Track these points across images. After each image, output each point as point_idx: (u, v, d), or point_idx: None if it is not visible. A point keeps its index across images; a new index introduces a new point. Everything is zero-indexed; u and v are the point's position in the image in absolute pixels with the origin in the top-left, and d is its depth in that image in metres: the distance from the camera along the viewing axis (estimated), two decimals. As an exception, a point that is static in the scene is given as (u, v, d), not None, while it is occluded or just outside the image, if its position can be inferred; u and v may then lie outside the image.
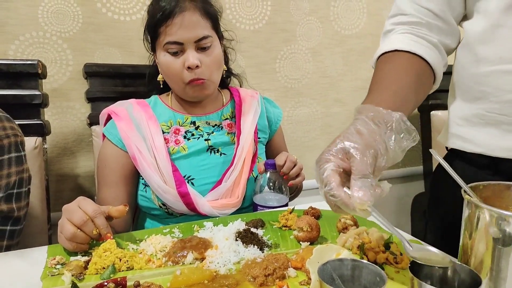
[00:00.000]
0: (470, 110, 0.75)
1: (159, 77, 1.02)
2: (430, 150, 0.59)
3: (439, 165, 0.89)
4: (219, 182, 0.96)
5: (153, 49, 1.00)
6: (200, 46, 0.93)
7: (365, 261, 0.48)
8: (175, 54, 0.93)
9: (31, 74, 1.08)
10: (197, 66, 0.92)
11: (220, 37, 1.02)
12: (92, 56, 1.28)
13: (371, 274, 0.47)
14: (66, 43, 1.25)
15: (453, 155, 0.81)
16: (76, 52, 1.26)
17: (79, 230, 0.68)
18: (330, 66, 1.62)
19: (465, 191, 0.55)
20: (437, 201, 0.88)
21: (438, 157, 0.57)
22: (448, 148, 0.83)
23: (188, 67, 0.92)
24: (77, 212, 0.69)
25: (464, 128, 0.76)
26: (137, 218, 1.07)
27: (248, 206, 1.01)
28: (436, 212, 0.88)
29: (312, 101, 1.63)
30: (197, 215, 0.93)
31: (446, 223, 0.84)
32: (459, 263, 0.47)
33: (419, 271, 0.48)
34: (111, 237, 0.69)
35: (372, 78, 0.72)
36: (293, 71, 1.57)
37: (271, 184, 0.95)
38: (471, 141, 0.75)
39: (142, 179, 0.96)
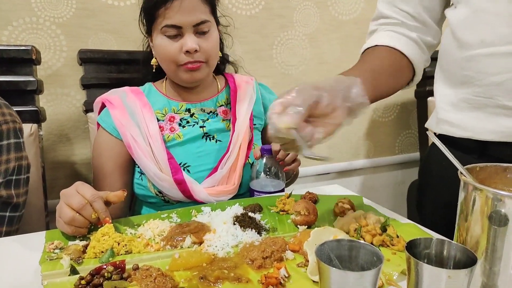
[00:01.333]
0: (457, 95, 0.77)
1: (153, 61, 1.01)
2: (427, 132, 0.59)
3: (430, 150, 0.91)
4: (215, 169, 0.96)
5: (149, 32, 0.99)
6: (199, 31, 0.92)
7: (362, 241, 0.49)
8: (172, 37, 0.92)
9: (25, 60, 1.06)
10: (195, 51, 0.91)
11: (217, 22, 1.01)
12: (86, 42, 1.26)
13: (368, 254, 0.47)
14: (59, 29, 1.23)
15: (440, 141, 0.83)
16: (70, 38, 1.24)
17: (77, 214, 0.68)
18: (328, 52, 1.61)
19: (461, 173, 0.55)
20: (427, 185, 0.89)
21: (435, 140, 0.57)
22: (436, 134, 0.84)
23: (187, 51, 0.91)
24: (75, 196, 0.69)
25: (451, 113, 0.78)
26: (133, 206, 1.08)
27: (244, 192, 1.01)
28: (427, 195, 0.90)
29: (309, 87, 1.62)
30: (193, 202, 0.93)
31: (437, 206, 0.85)
32: (455, 242, 0.48)
33: (416, 251, 0.48)
34: (110, 221, 0.69)
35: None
36: (290, 58, 1.56)
37: (267, 169, 0.95)
38: (459, 126, 0.77)
39: (138, 167, 0.96)
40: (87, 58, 1.22)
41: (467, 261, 0.46)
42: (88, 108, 1.20)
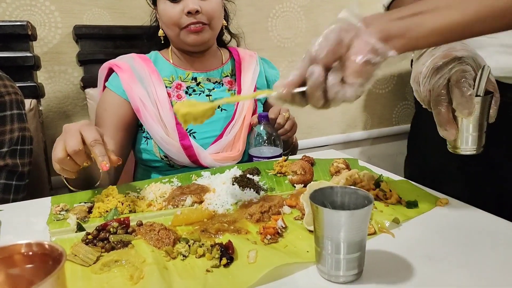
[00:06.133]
0: None
1: (160, 32, 1.03)
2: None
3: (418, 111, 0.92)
4: (220, 136, 0.99)
5: (154, 2, 1.01)
6: None
7: (354, 187, 0.51)
8: (174, 1, 0.94)
9: (21, 35, 1.07)
10: (197, 11, 0.93)
11: None
12: (81, 18, 1.26)
13: (360, 198, 0.50)
14: (53, 5, 1.23)
15: None
16: (64, 14, 1.24)
17: (68, 157, 0.65)
18: (323, 24, 1.61)
19: None
20: (418, 141, 0.92)
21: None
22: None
23: (188, 12, 0.93)
24: (73, 138, 0.64)
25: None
26: (136, 174, 1.10)
27: (247, 160, 1.04)
28: (417, 153, 0.92)
29: (305, 60, 1.62)
30: (198, 167, 0.96)
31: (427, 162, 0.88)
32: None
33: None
34: (107, 166, 0.64)
35: None
36: (286, 30, 1.56)
37: (265, 136, 0.97)
38: None
39: (143, 132, 0.98)
40: (82, 34, 1.22)
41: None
42: (86, 84, 1.21)
